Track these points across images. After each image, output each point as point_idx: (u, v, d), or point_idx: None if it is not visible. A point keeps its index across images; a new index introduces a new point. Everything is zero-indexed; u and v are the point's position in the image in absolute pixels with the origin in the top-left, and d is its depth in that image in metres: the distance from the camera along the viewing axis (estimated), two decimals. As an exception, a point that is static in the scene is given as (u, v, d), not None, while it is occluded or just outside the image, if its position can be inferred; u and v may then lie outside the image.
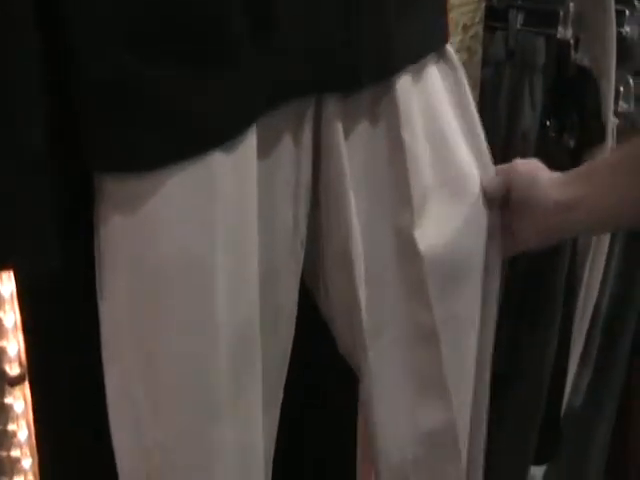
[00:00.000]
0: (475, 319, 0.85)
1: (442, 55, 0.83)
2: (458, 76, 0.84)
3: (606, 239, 1.45)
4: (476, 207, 0.82)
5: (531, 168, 0.82)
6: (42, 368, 0.72)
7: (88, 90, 0.55)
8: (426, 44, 0.80)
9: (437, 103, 0.81)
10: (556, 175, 0.80)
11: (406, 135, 0.76)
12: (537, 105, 1.31)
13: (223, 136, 0.60)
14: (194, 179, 0.59)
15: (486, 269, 0.84)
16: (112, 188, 0.59)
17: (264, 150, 0.67)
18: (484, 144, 0.85)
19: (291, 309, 0.77)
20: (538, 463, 1.57)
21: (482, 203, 0.82)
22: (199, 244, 0.61)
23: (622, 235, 1.51)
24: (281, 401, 0.79)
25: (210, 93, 0.59)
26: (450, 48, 0.84)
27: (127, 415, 0.64)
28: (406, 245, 0.79)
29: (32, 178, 0.55)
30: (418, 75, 0.79)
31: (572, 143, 1.32)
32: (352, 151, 0.74)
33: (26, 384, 0.73)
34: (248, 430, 0.69)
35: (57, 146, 0.56)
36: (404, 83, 0.76)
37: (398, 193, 0.78)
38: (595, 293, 1.46)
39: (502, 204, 0.83)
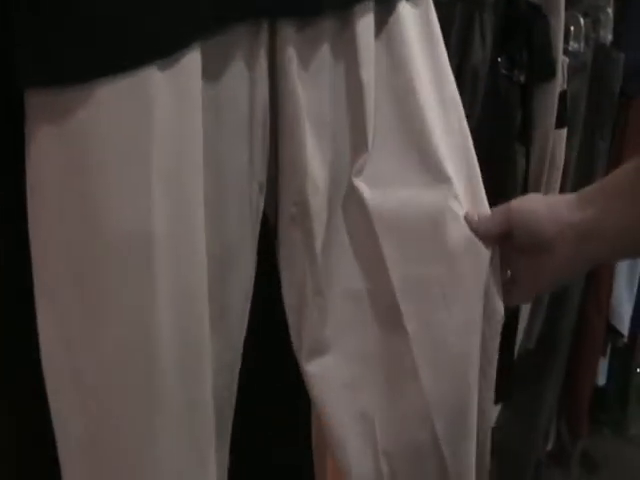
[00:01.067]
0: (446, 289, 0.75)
1: None
2: (430, 18, 0.80)
3: (557, 180, 1.46)
4: (434, 174, 0.76)
5: (530, 202, 0.75)
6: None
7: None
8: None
9: (405, 51, 0.76)
10: (559, 199, 0.74)
11: (364, 75, 0.72)
12: (487, 42, 1.30)
13: (159, 50, 0.57)
14: (127, 95, 0.56)
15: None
16: (42, 104, 0.56)
17: (212, 79, 0.64)
18: (456, 100, 0.80)
19: (248, 258, 0.73)
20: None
21: (442, 172, 0.75)
22: (133, 171, 0.58)
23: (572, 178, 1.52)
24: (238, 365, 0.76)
25: (146, 1, 0.56)
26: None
27: (63, 361, 0.61)
28: (357, 196, 0.75)
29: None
30: (383, 15, 0.74)
31: (522, 79, 1.31)
32: (308, 86, 0.70)
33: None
34: (195, 385, 0.66)
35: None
36: (366, 20, 0.72)
37: (355, 137, 0.75)
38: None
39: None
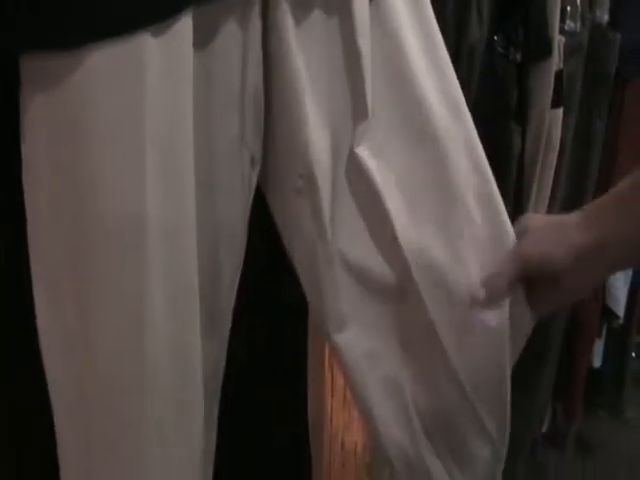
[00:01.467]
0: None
1: None
2: None
3: (553, 159, 1.46)
4: (434, 152, 0.75)
5: (539, 240, 0.73)
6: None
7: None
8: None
9: (395, 19, 0.75)
10: (566, 222, 0.72)
11: (360, 40, 0.71)
12: (484, 20, 1.30)
13: (153, 16, 0.56)
14: (120, 61, 0.55)
15: None
16: (37, 71, 0.56)
17: (204, 46, 0.63)
18: (449, 67, 0.78)
19: (237, 233, 0.73)
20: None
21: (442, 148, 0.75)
22: (126, 137, 0.57)
23: (570, 154, 1.52)
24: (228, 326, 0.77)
25: None
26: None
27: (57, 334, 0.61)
28: (360, 164, 0.74)
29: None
30: None
31: (519, 58, 1.31)
32: (304, 49, 0.69)
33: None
34: (186, 360, 0.66)
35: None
36: None
37: (354, 104, 0.73)
38: (545, 205, 1.47)
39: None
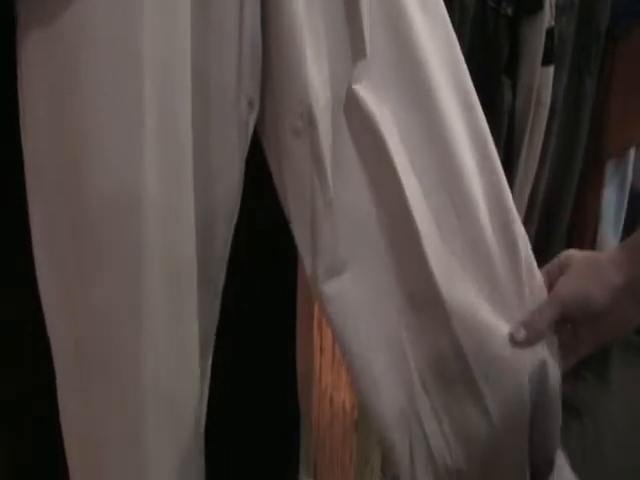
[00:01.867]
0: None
1: None
2: None
3: (543, 117, 1.45)
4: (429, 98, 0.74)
5: (577, 280, 0.72)
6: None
7: None
8: None
9: None
10: (605, 261, 0.71)
11: None
12: (475, -27, 1.29)
13: None
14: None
15: None
16: (34, 6, 0.55)
17: None
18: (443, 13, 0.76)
19: (233, 181, 0.72)
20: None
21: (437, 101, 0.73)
22: (124, 70, 0.57)
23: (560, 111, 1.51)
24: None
25: None
26: None
27: (55, 275, 0.62)
28: (359, 103, 0.72)
29: None
30: None
31: (510, 12, 1.30)
32: None
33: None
34: (181, 302, 0.66)
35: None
36: None
37: (351, 42, 0.72)
38: (535, 163, 1.46)
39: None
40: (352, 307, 0.74)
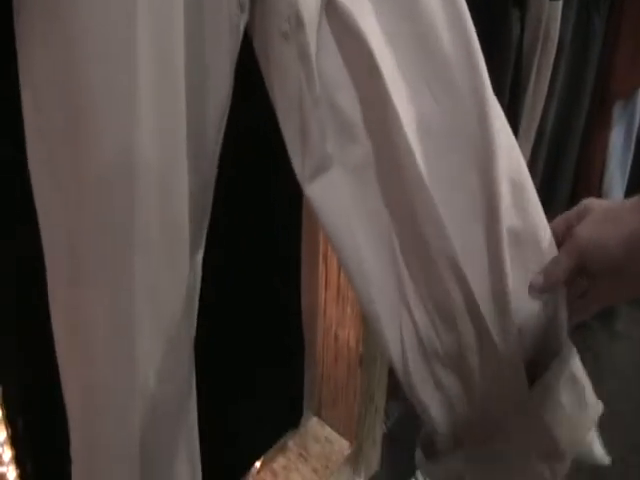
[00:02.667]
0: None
1: None
2: None
3: (551, 53, 1.43)
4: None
5: (596, 229, 0.70)
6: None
7: None
8: None
9: None
10: (623, 209, 0.68)
11: None
12: None
13: None
14: None
15: None
16: None
17: None
18: None
19: (223, 80, 0.72)
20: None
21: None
22: None
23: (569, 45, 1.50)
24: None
25: None
26: None
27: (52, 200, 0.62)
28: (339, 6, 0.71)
29: None
30: None
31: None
32: None
33: None
34: (172, 205, 0.67)
35: None
36: None
37: None
38: (542, 99, 1.45)
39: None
40: (341, 205, 0.74)
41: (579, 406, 0.76)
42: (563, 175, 1.64)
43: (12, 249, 0.74)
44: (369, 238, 0.74)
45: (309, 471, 1.42)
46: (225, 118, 0.74)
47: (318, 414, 1.54)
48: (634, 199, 0.68)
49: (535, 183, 0.77)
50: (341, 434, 1.51)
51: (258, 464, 1.38)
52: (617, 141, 1.72)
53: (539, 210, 0.76)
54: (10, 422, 0.78)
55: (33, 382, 0.75)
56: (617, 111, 1.70)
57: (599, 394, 0.78)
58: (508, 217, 0.73)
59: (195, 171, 0.70)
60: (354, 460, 1.52)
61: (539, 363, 0.74)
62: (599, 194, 1.74)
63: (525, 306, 0.73)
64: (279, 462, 1.42)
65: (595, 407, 0.78)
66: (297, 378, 1.35)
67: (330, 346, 1.44)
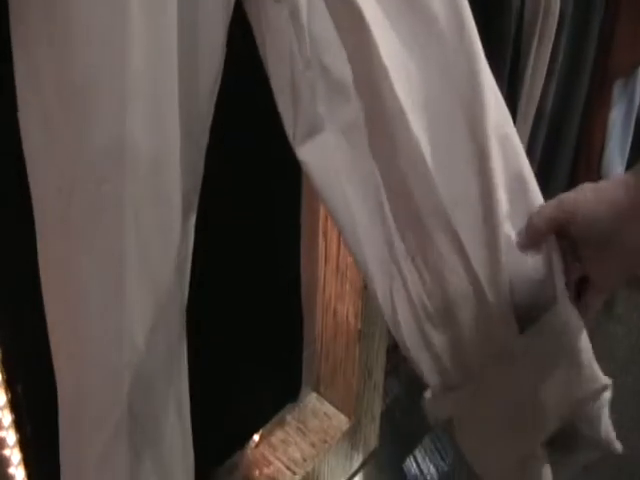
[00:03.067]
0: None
1: None
2: None
3: (552, 27, 1.43)
4: None
5: (583, 192, 0.69)
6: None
7: None
8: None
9: None
10: (614, 183, 0.68)
11: None
12: None
13: None
14: None
15: None
16: None
17: None
18: None
19: (216, 41, 0.73)
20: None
21: None
22: None
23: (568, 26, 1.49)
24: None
25: None
26: None
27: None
28: None
29: None
30: None
31: None
32: None
33: None
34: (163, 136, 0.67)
35: None
36: None
37: None
38: (542, 77, 1.44)
39: None
40: (333, 165, 0.75)
41: (570, 365, 0.73)
42: (562, 154, 1.64)
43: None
44: (360, 198, 0.75)
45: (307, 445, 1.43)
46: (218, 80, 0.75)
47: (317, 390, 1.55)
48: (624, 176, 0.68)
49: (534, 163, 0.76)
50: (340, 410, 1.52)
51: (257, 437, 1.39)
52: (617, 120, 1.72)
53: (525, 160, 0.75)
54: (10, 386, 0.79)
55: (32, 346, 0.75)
56: (617, 90, 1.69)
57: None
58: (499, 170, 0.73)
59: (188, 135, 0.70)
60: (352, 436, 1.52)
61: (534, 319, 0.73)
62: (598, 174, 1.73)
63: (518, 259, 0.72)
64: (277, 436, 1.43)
65: (597, 380, 0.75)
66: (296, 351, 1.35)
67: (329, 322, 1.44)
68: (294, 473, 1.36)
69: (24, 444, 0.82)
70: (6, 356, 0.77)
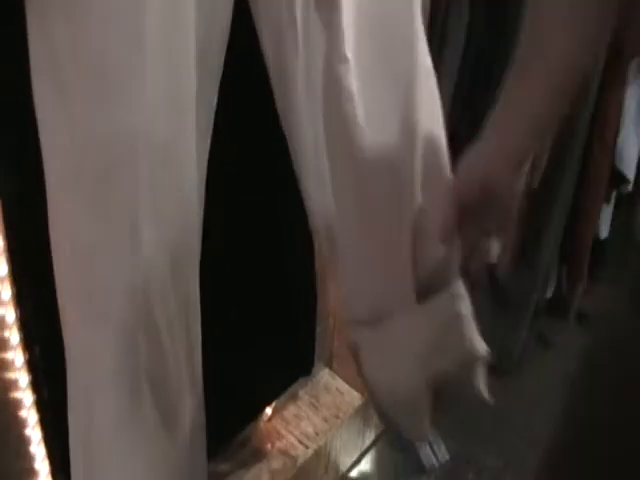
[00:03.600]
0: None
1: None
2: None
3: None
4: None
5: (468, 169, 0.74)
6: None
7: None
8: None
9: None
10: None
11: None
12: None
13: None
14: None
15: None
16: None
17: None
18: None
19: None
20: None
21: None
22: None
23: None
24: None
25: None
26: None
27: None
28: None
29: None
30: None
31: None
32: None
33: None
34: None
35: None
36: None
37: None
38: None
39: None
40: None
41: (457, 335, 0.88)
42: (577, 133, 1.63)
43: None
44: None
45: (320, 420, 1.43)
46: (227, 35, 0.78)
47: (329, 365, 1.55)
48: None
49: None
50: (352, 386, 1.53)
51: (269, 411, 1.39)
52: (632, 99, 1.71)
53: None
54: (27, 347, 0.79)
55: (50, 307, 0.75)
56: (632, 69, 1.68)
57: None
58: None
59: (200, 86, 0.73)
60: (364, 412, 1.53)
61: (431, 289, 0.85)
62: (613, 152, 1.72)
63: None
64: (290, 410, 1.43)
65: (478, 348, 0.90)
66: (309, 326, 1.35)
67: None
68: (306, 447, 1.36)
69: (41, 405, 0.83)
70: (23, 317, 0.78)
